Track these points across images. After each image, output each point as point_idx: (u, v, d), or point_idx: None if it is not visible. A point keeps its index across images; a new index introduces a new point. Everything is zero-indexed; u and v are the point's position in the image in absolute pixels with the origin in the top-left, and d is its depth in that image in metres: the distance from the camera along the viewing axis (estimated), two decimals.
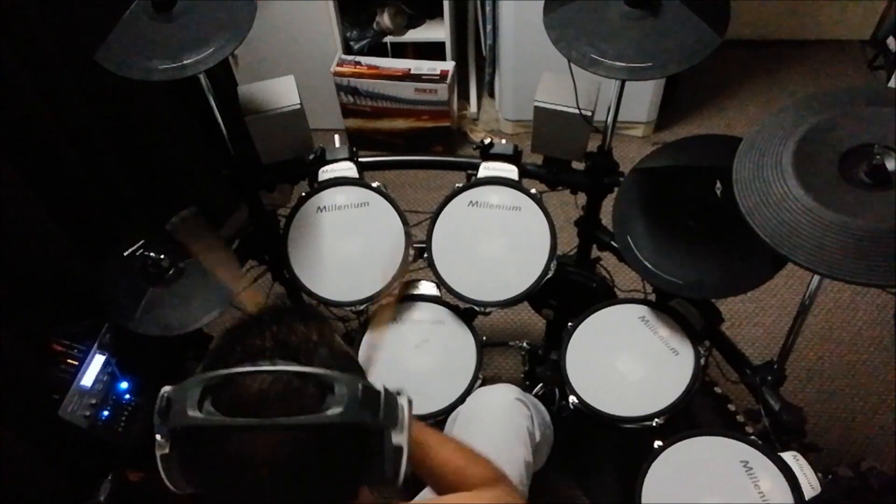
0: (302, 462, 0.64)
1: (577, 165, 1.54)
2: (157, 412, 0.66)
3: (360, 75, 2.44)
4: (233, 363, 0.65)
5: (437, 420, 1.42)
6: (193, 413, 0.62)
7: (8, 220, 1.32)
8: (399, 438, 0.68)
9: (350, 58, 2.48)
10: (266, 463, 0.62)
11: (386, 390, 0.69)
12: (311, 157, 1.57)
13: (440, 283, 1.47)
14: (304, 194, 1.53)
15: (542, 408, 1.42)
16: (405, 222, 1.50)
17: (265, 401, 0.62)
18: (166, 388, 0.66)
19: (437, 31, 2.47)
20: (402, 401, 0.71)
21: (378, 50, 2.53)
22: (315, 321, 0.72)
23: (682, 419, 1.36)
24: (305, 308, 0.74)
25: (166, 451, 0.66)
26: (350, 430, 0.65)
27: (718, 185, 1.24)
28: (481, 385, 1.45)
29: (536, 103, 1.45)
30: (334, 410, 0.63)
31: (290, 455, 0.63)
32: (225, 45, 1.24)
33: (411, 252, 1.50)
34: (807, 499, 1.14)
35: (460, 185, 1.52)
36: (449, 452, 1.00)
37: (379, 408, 0.67)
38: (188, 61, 1.23)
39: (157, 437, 0.66)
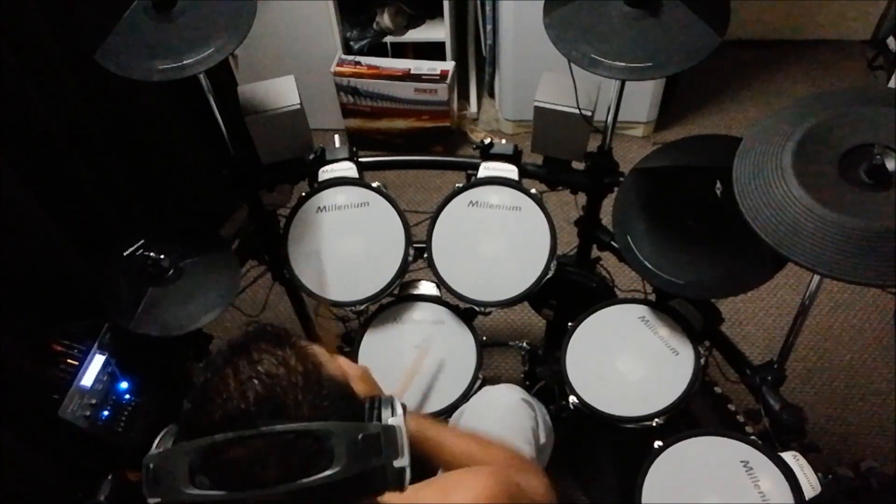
0: None
1: (577, 165, 1.54)
2: (145, 484, 0.62)
3: (360, 75, 2.45)
4: (216, 427, 0.61)
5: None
6: (189, 490, 0.59)
7: (8, 220, 1.32)
8: (401, 462, 0.66)
9: (350, 58, 2.48)
10: None
11: (384, 426, 0.66)
12: (311, 157, 1.57)
13: (440, 283, 1.47)
14: (304, 194, 1.53)
15: (546, 411, 1.43)
16: (405, 222, 1.50)
17: (263, 468, 0.60)
18: (149, 457, 0.63)
19: (437, 31, 2.47)
20: (398, 420, 0.68)
21: (378, 50, 2.53)
22: (291, 347, 0.68)
23: (682, 419, 1.36)
24: (279, 332, 0.70)
25: None
26: (350, 485, 0.63)
27: (718, 185, 1.24)
28: (481, 385, 1.45)
29: (536, 103, 1.45)
30: (336, 467, 0.61)
31: None
32: (225, 46, 1.24)
33: (411, 252, 1.50)
34: (807, 499, 1.14)
35: (460, 185, 1.52)
36: (464, 444, 1.01)
37: (381, 448, 0.64)
38: (188, 61, 1.23)
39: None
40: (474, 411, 1.36)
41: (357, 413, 0.69)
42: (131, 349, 1.40)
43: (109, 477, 1.33)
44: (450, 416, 1.42)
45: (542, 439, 1.35)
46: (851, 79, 2.78)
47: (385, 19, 2.45)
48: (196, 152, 1.99)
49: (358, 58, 2.49)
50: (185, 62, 1.23)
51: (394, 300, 1.56)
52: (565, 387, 1.38)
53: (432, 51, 2.51)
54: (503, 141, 1.55)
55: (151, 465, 0.62)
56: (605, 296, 1.60)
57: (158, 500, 0.62)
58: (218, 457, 0.61)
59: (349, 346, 1.53)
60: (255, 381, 0.63)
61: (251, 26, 1.26)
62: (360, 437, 0.63)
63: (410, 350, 1.48)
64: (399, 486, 0.67)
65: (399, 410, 0.69)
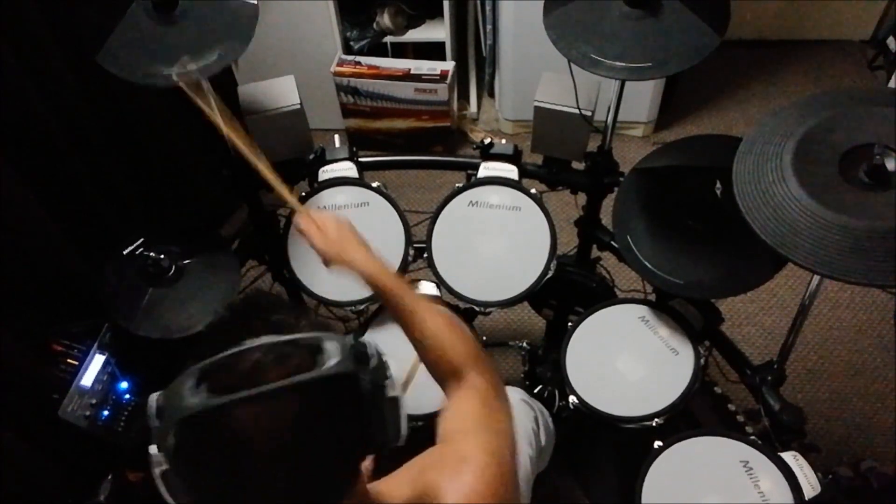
0: (306, 428, 0.62)
1: (577, 165, 1.54)
2: (152, 416, 0.63)
3: (360, 75, 2.44)
4: (220, 351, 0.64)
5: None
6: (192, 400, 0.60)
7: (8, 220, 1.32)
8: (392, 391, 0.68)
9: (350, 58, 2.48)
10: (270, 438, 0.61)
11: (375, 347, 0.69)
12: (311, 157, 1.57)
13: (440, 283, 1.47)
14: (304, 194, 1.53)
15: (547, 413, 1.43)
16: (405, 222, 1.50)
17: (261, 371, 0.62)
18: (155, 394, 0.64)
19: (437, 31, 2.47)
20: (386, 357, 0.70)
21: (378, 50, 2.53)
22: (291, 307, 0.72)
23: (682, 419, 1.36)
24: (278, 299, 0.74)
25: (165, 466, 0.63)
26: (347, 384, 0.64)
27: (718, 185, 1.24)
28: None
29: (536, 103, 1.45)
30: (329, 363, 0.63)
31: (294, 423, 0.61)
32: (228, 53, 1.24)
33: (411, 252, 1.50)
34: (807, 499, 1.14)
35: (460, 185, 1.52)
36: (435, 326, 1.01)
37: (369, 358, 0.67)
38: (192, 67, 1.23)
39: (153, 451, 0.63)
40: None
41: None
42: (131, 349, 1.40)
43: (109, 477, 1.33)
44: None
45: (543, 441, 1.35)
46: (851, 79, 2.77)
47: (385, 19, 2.45)
48: (196, 152, 1.99)
49: (358, 58, 2.49)
50: (189, 69, 1.23)
51: None
52: (565, 387, 1.38)
53: (432, 51, 2.51)
54: (503, 141, 1.56)
55: (157, 397, 0.63)
56: (605, 296, 1.60)
57: (159, 425, 0.62)
58: (221, 372, 0.63)
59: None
60: (259, 315, 0.68)
61: (253, 33, 1.25)
62: (349, 340, 0.66)
63: (411, 350, 1.48)
64: (397, 432, 0.69)
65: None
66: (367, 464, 0.73)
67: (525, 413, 1.33)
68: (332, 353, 0.64)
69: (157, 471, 0.63)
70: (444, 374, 0.97)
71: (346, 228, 1.09)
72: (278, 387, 0.61)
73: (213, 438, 0.61)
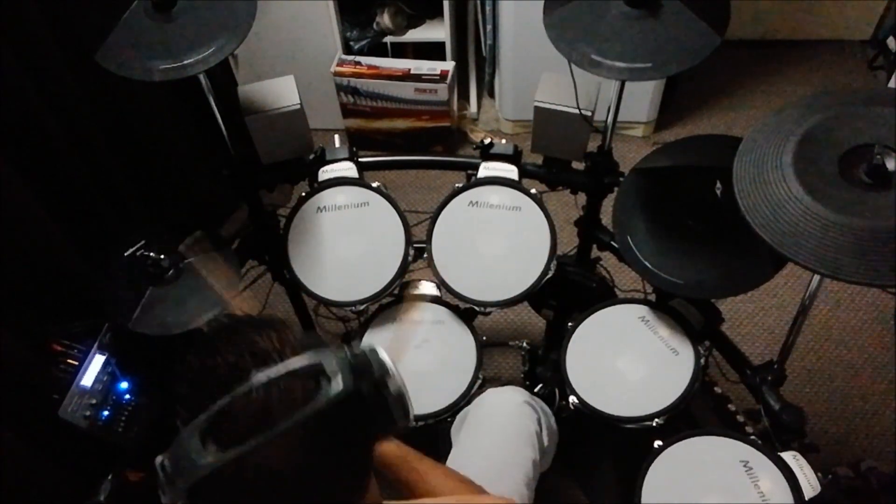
0: (319, 450, 0.62)
1: (577, 165, 1.54)
2: (162, 483, 0.61)
3: (360, 75, 2.45)
4: (216, 395, 0.61)
5: (438, 419, 1.42)
6: (205, 460, 0.58)
7: (8, 220, 1.32)
8: (394, 384, 0.67)
9: (350, 58, 2.48)
10: (286, 469, 0.60)
11: (367, 347, 0.68)
12: (311, 157, 1.57)
13: (440, 283, 1.47)
14: (304, 194, 1.53)
15: (550, 413, 1.43)
16: (405, 222, 1.50)
17: (267, 413, 0.60)
18: (160, 458, 0.62)
19: (437, 31, 2.47)
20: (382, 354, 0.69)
21: (378, 50, 2.53)
22: (267, 327, 0.69)
23: (682, 419, 1.36)
24: (253, 320, 0.71)
25: None
26: (355, 400, 0.63)
27: (718, 185, 1.24)
28: (481, 385, 1.45)
29: (536, 103, 1.45)
30: (334, 385, 0.61)
31: (307, 450, 0.61)
32: (225, 45, 1.24)
33: (411, 252, 1.50)
34: (807, 499, 1.14)
35: (460, 185, 1.52)
36: (453, 486, 0.99)
37: (371, 365, 0.66)
38: (188, 61, 1.23)
39: None
40: (477, 414, 1.36)
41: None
42: (131, 349, 1.40)
43: (109, 477, 1.33)
44: (450, 416, 1.42)
45: (546, 442, 1.35)
46: (851, 79, 2.78)
47: (385, 19, 2.45)
48: (196, 152, 1.99)
49: (358, 58, 2.49)
50: (185, 62, 1.23)
51: (394, 300, 1.56)
52: (565, 387, 1.38)
53: (432, 51, 2.51)
54: (503, 141, 1.55)
55: (164, 461, 0.61)
56: (605, 296, 1.59)
57: (182, 486, 0.60)
58: (223, 422, 0.60)
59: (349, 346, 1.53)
60: (240, 348, 0.65)
61: (251, 26, 1.26)
62: (347, 355, 0.64)
63: (411, 350, 1.48)
64: (406, 415, 0.68)
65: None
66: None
67: (528, 415, 1.33)
68: (333, 371, 0.62)
69: None
70: None
71: None
72: (292, 424, 0.59)
73: (232, 490, 0.60)
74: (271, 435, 0.58)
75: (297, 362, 0.63)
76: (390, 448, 0.99)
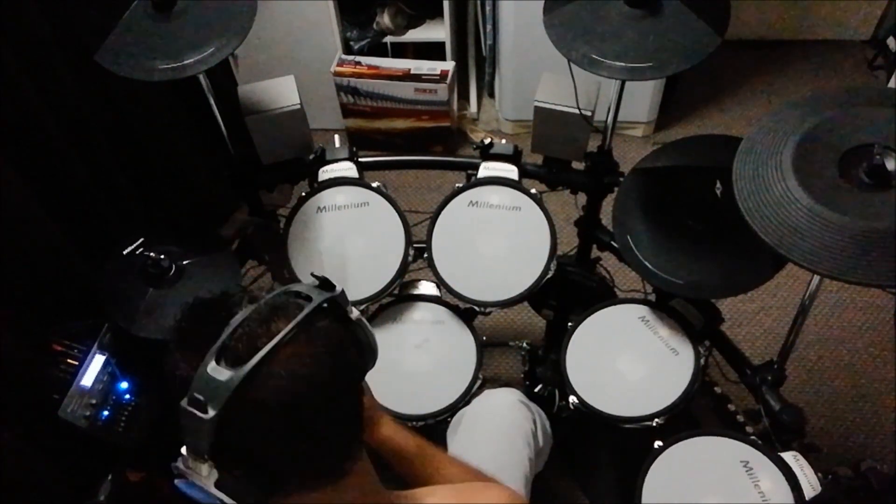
0: (322, 363, 0.68)
1: (578, 165, 1.54)
2: (195, 422, 0.63)
3: (360, 75, 2.44)
4: (220, 325, 0.66)
5: (438, 420, 1.42)
6: (227, 377, 0.62)
7: (8, 220, 1.32)
8: (354, 313, 0.77)
9: (350, 58, 2.48)
10: (300, 377, 0.65)
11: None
12: (311, 157, 1.57)
13: (440, 283, 1.47)
14: (304, 194, 1.53)
15: (544, 415, 1.43)
16: (405, 222, 1.50)
17: (273, 321, 0.67)
18: (183, 401, 0.64)
19: (437, 31, 2.47)
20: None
21: (378, 50, 2.53)
22: (235, 290, 0.76)
23: (682, 419, 1.36)
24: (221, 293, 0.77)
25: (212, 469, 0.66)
26: (334, 306, 0.73)
27: (718, 185, 1.24)
28: (481, 385, 1.45)
29: (536, 103, 1.45)
30: (316, 295, 0.70)
31: (312, 359, 0.67)
32: (225, 45, 1.24)
33: (411, 252, 1.50)
34: (807, 499, 1.14)
35: (460, 185, 1.52)
36: (463, 474, 1.02)
37: (334, 286, 0.74)
38: (188, 61, 1.23)
39: (203, 465, 0.66)
40: (473, 415, 1.36)
41: None
42: (131, 349, 1.40)
43: (109, 477, 1.33)
44: (450, 416, 1.42)
45: (541, 442, 1.35)
46: (851, 79, 2.77)
47: (385, 19, 2.45)
48: (196, 152, 1.99)
49: (358, 58, 2.48)
50: (185, 62, 1.23)
51: (394, 300, 1.56)
52: (565, 387, 1.38)
53: (432, 51, 2.51)
54: (503, 141, 1.55)
55: (190, 395, 0.64)
56: (605, 296, 1.60)
57: (215, 413, 0.63)
58: (234, 344, 0.65)
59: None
60: (227, 294, 0.73)
61: (251, 26, 1.26)
62: (313, 277, 0.75)
63: (411, 350, 1.48)
64: (375, 353, 0.79)
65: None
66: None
67: (523, 414, 1.33)
68: (309, 289, 0.71)
69: (212, 481, 0.67)
70: None
71: None
72: (295, 325, 0.66)
73: (254, 405, 0.64)
74: (279, 338, 0.64)
75: (275, 292, 0.72)
76: (408, 440, 1.03)
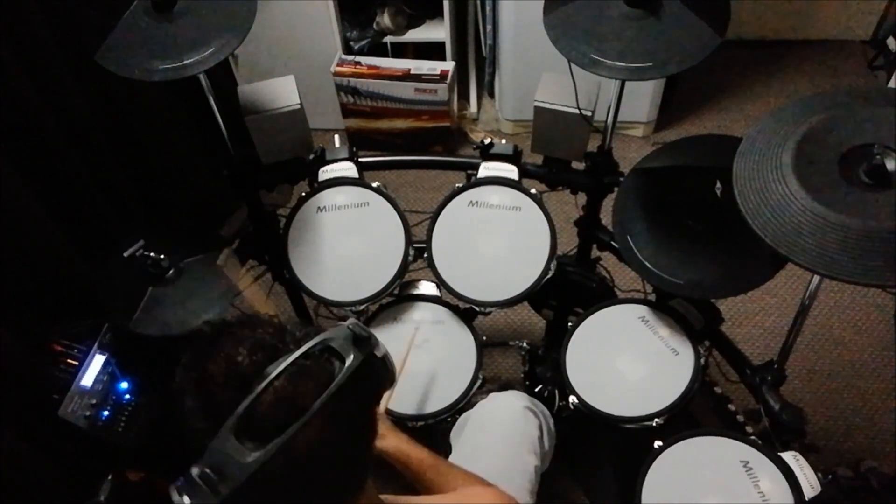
0: (344, 419, 0.66)
1: (578, 165, 1.54)
2: (204, 492, 0.60)
3: (360, 75, 2.45)
4: (239, 398, 0.62)
5: (438, 419, 1.42)
6: (249, 458, 0.59)
7: (8, 220, 1.32)
8: (381, 347, 0.72)
9: (350, 58, 2.48)
10: (323, 445, 0.63)
11: (351, 322, 0.72)
12: (311, 157, 1.57)
13: (440, 283, 1.47)
14: (304, 194, 1.53)
15: (549, 415, 1.43)
16: (405, 222, 1.50)
17: (295, 398, 0.63)
18: (195, 469, 0.61)
19: (437, 31, 2.47)
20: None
21: (378, 50, 2.53)
22: (260, 324, 0.71)
23: (682, 419, 1.36)
24: (245, 320, 0.73)
25: None
26: (364, 368, 0.68)
27: (718, 185, 1.24)
28: (481, 385, 1.45)
29: (536, 103, 1.45)
30: (350, 358, 0.66)
31: (335, 423, 0.64)
32: (225, 46, 1.24)
33: (411, 252, 1.50)
34: (807, 499, 1.14)
35: (460, 185, 1.52)
36: (466, 480, 1.05)
37: (367, 336, 0.70)
38: (188, 61, 1.23)
39: None
40: (478, 420, 1.35)
41: None
42: (131, 349, 1.40)
43: (109, 477, 1.33)
44: (450, 416, 1.42)
45: (547, 446, 1.35)
46: (851, 79, 2.77)
47: (385, 19, 2.45)
48: (196, 152, 1.99)
49: (358, 58, 2.49)
50: (185, 62, 1.23)
51: (394, 300, 1.56)
52: (565, 387, 1.38)
53: (432, 51, 2.51)
54: (503, 141, 1.55)
55: (203, 469, 0.61)
56: (605, 296, 1.60)
57: (227, 492, 0.60)
58: (254, 419, 0.62)
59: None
60: (243, 347, 0.67)
61: (251, 26, 1.26)
62: (348, 330, 0.69)
63: (402, 346, 1.48)
64: (391, 376, 0.74)
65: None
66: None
67: (530, 422, 1.33)
68: (342, 347, 0.67)
69: None
70: None
71: None
72: (322, 403, 0.62)
73: (275, 482, 0.62)
74: (308, 417, 0.61)
75: (306, 347, 0.66)
76: (422, 455, 1.06)
